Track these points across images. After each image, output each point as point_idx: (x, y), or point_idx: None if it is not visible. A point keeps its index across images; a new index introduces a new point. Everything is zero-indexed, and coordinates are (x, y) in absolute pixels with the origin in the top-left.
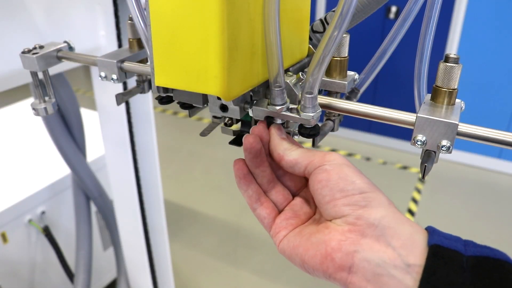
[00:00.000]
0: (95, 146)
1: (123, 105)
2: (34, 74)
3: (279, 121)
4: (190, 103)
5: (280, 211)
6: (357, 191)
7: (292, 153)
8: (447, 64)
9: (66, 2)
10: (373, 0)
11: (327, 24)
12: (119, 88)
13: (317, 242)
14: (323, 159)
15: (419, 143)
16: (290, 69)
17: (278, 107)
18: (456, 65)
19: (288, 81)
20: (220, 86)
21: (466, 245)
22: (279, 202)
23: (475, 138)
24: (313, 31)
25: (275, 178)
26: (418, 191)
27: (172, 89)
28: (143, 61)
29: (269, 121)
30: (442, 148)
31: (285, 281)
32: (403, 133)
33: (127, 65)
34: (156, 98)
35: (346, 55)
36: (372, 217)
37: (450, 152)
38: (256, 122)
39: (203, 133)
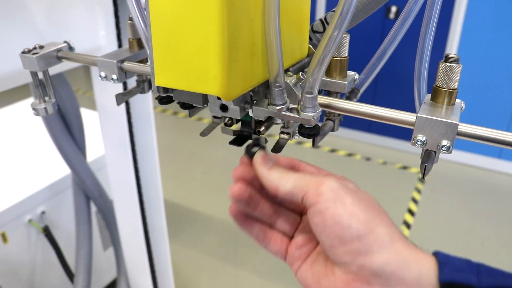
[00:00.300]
0: (95, 146)
1: (123, 105)
2: (34, 74)
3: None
4: (190, 103)
5: (291, 237)
6: (355, 236)
7: (286, 184)
8: (447, 64)
9: (66, 2)
10: (373, 0)
11: (327, 24)
12: (119, 88)
13: None
14: (316, 192)
15: (419, 143)
16: (290, 69)
17: (278, 107)
18: (456, 65)
19: (288, 81)
20: (220, 86)
21: (479, 274)
22: (287, 230)
23: (475, 138)
24: (313, 31)
25: (277, 209)
26: (418, 191)
27: (172, 89)
28: (143, 61)
29: (249, 153)
30: (442, 148)
31: (285, 281)
32: (403, 133)
33: (127, 65)
34: (156, 98)
35: (346, 55)
36: (375, 265)
37: (450, 152)
38: (256, 122)
39: (203, 133)
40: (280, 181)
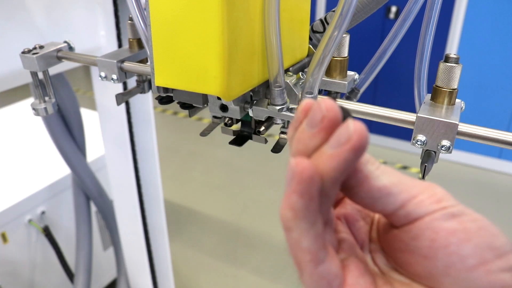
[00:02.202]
0: (95, 146)
1: (123, 105)
2: (34, 74)
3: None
4: (190, 103)
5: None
6: (509, 245)
7: (383, 176)
8: (447, 64)
9: (66, 2)
10: (373, 0)
11: (327, 24)
12: (119, 88)
13: None
14: (435, 197)
15: (419, 143)
16: (290, 69)
17: (278, 107)
18: (456, 65)
19: (288, 81)
20: (220, 86)
21: None
22: (333, 242)
23: (475, 138)
24: (313, 31)
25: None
26: None
27: (172, 89)
28: (143, 61)
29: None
30: (442, 148)
31: (285, 281)
32: (403, 133)
33: (127, 65)
34: (156, 98)
35: (346, 55)
36: None
37: (450, 152)
38: (256, 122)
39: (203, 133)
40: (375, 170)
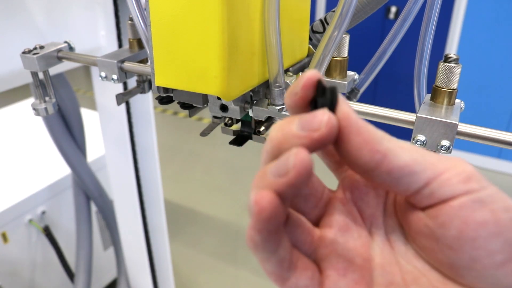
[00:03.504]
0: (95, 146)
1: (123, 105)
2: (34, 74)
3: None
4: (190, 103)
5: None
6: None
7: (403, 154)
8: (447, 64)
9: (66, 2)
10: (373, 0)
11: (327, 24)
12: (119, 88)
13: None
14: (463, 175)
15: (419, 143)
16: (290, 69)
17: (278, 107)
18: (456, 65)
19: (288, 81)
20: (220, 86)
21: None
22: (306, 244)
23: (475, 138)
24: (313, 31)
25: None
26: None
27: (172, 89)
28: (143, 61)
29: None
30: (442, 148)
31: None
32: (403, 133)
33: (127, 65)
34: (156, 98)
35: (346, 55)
36: None
37: (450, 152)
38: (256, 122)
39: (203, 133)
40: (394, 148)
